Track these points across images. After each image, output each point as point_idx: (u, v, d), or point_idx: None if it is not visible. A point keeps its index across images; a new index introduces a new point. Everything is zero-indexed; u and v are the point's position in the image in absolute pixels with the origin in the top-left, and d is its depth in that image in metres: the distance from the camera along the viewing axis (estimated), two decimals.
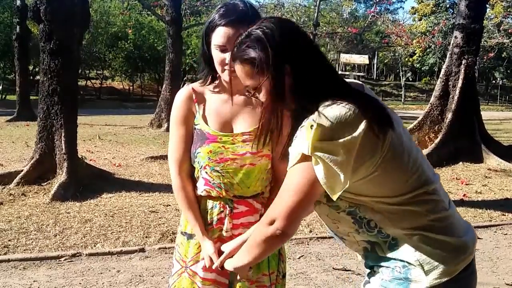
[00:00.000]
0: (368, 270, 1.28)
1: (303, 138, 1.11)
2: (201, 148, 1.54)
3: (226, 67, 1.48)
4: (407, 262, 1.16)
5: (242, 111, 1.58)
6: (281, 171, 1.57)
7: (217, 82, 1.60)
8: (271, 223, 1.19)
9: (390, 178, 1.15)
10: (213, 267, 1.52)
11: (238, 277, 1.50)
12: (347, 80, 1.29)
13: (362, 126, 1.08)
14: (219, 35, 1.47)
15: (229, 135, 1.55)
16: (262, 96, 1.23)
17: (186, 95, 1.61)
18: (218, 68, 1.52)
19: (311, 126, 1.09)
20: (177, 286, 1.62)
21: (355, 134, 1.08)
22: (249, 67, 1.21)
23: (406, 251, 1.17)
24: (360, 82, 1.32)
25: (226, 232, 1.56)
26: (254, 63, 1.18)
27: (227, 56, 1.45)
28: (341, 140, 1.08)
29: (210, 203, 1.58)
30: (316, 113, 1.11)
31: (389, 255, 1.19)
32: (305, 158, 1.12)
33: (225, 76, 1.52)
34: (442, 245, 1.15)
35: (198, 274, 1.58)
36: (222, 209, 1.56)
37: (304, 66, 1.16)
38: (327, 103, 1.12)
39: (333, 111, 1.10)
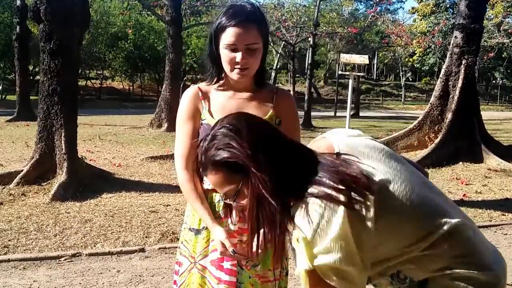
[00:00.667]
0: None
1: (300, 254, 1.05)
2: None
3: (236, 66, 1.55)
4: None
5: (247, 106, 1.63)
6: None
7: (222, 81, 1.65)
8: None
9: (398, 231, 1.10)
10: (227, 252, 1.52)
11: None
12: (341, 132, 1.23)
13: (341, 214, 1.02)
14: (229, 35, 1.52)
15: None
16: (246, 201, 1.11)
17: (193, 93, 1.66)
18: (226, 67, 1.57)
19: (297, 239, 1.04)
20: (187, 282, 1.64)
21: (338, 226, 1.01)
22: (223, 171, 1.10)
23: None
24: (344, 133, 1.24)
25: (233, 225, 1.58)
26: (229, 164, 1.08)
27: (238, 55, 1.52)
28: (330, 238, 1.01)
29: (216, 196, 1.60)
30: (297, 227, 1.05)
31: None
32: (310, 273, 1.05)
33: (233, 75, 1.58)
34: (473, 280, 1.11)
35: (207, 268, 1.60)
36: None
37: (279, 157, 1.08)
38: (298, 211, 1.05)
39: (305, 220, 1.03)
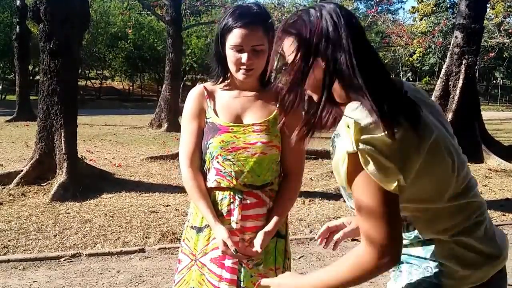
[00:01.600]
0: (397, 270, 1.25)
1: (344, 138, 1.06)
2: (213, 138, 1.60)
3: (242, 67, 1.57)
4: (439, 263, 1.14)
5: (252, 105, 1.66)
6: (291, 164, 1.66)
7: (227, 81, 1.67)
8: (380, 255, 1.07)
9: (433, 181, 1.10)
10: (228, 252, 1.53)
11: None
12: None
13: (392, 128, 1.03)
14: (236, 36, 1.54)
15: (240, 126, 1.62)
16: (288, 73, 1.18)
17: (198, 92, 1.68)
18: (232, 67, 1.59)
19: (348, 125, 1.05)
20: (186, 279, 1.66)
21: (388, 136, 1.03)
22: (290, 41, 1.16)
23: (440, 253, 1.15)
24: (403, 81, 1.27)
25: (236, 223, 1.59)
26: (296, 38, 1.14)
27: (243, 56, 1.55)
28: (381, 134, 1.03)
29: (220, 195, 1.62)
30: (347, 116, 1.07)
31: (422, 254, 1.17)
32: (353, 158, 1.05)
33: (239, 76, 1.60)
34: (476, 250, 1.14)
35: (206, 265, 1.61)
36: (231, 200, 1.60)
37: (343, 60, 1.09)
38: (354, 104, 1.08)
39: (362, 112, 1.05)
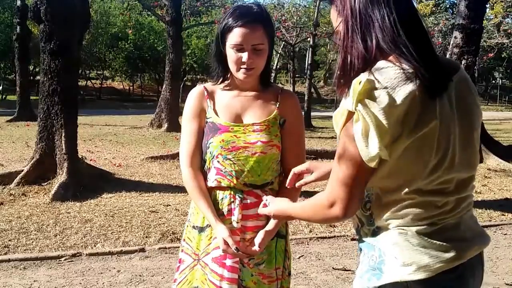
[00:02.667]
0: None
1: (350, 95, 1.07)
2: (214, 138, 1.61)
3: (242, 66, 1.58)
4: (383, 252, 1.14)
5: (252, 105, 1.67)
6: (291, 164, 1.65)
7: (228, 81, 1.68)
8: (332, 205, 1.14)
9: (411, 162, 1.09)
10: (229, 250, 1.54)
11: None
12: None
13: (411, 93, 1.03)
14: (236, 35, 1.55)
15: (241, 125, 1.63)
16: (338, 39, 1.20)
17: (198, 92, 1.69)
18: (232, 67, 1.60)
19: (359, 82, 1.05)
20: (189, 279, 1.67)
21: (401, 100, 1.03)
22: (333, 8, 1.21)
23: (384, 242, 1.14)
24: (456, 62, 1.26)
25: (236, 222, 1.60)
26: (336, 5, 1.19)
27: (244, 55, 1.56)
28: (383, 104, 1.02)
29: (220, 194, 1.63)
30: (367, 72, 1.06)
31: (370, 241, 1.18)
32: (350, 116, 1.07)
33: (239, 75, 1.60)
34: (423, 245, 1.11)
35: (208, 265, 1.62)
36: (232, 200, 1.61)
37: (379, 16, 1.11)
38: (382, 62, 1.08)
39: (389, 72, 1.05)
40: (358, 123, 1.05)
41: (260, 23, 1.56)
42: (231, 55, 1.58)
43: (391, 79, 1.05)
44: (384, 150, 1.05)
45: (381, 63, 1.08)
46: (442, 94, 1.09)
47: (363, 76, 1.05)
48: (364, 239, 1.20)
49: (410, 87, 1.04)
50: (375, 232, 1.17)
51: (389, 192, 1.13)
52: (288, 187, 1.52)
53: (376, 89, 1.04)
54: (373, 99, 1.03)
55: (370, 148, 1.05)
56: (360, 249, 1.24)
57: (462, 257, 1.13)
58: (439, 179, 1.11)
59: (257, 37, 1.56)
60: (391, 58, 1.09)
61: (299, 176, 1.53)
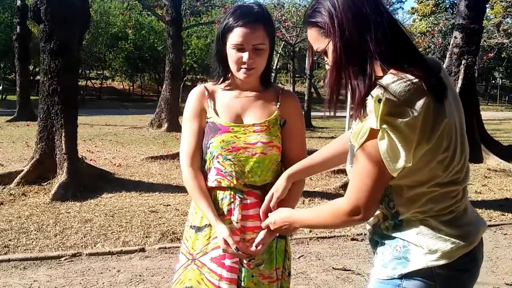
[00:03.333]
0: (373, 252, 1.34)
1: (372, 112, 1.11)
2: (214, 138, 1.61)
3: (243, 66, 1.58)
4: (408, 242, 1.21)
5: (252, 105, 1.67)
6: (292, 164, 1.64)
7: (228, 81, 1.68)
8: (354, 211, 1.20)
9: (431, 160, 1.16)
10: (228, 251, 1.54)
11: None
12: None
13: (425, 101, 1.10)
14: (237, 35, 1.55)
15: (241, 126, 1.63)
16: (329, 60, 1.24)
17: (199, 92, 1.69)
18: (233, 66, 1.60)
19: (379, 99, 1.10)
20: (182, 279, 1.66)
21: (419, 110, 1.09)
22: (316, 31, 1.24)
23: (409, 233, 1.22)
24: (437, 61, 1.31)
25: (236, 222, 1.60)
26: (320, 27, 1.22)
27: (244, 55, 1.55)
28: (406, 118, 1.09)
29: (220, 194, 1.63)
30: (381, 87, 1.11)
31: (393, 234, 1.25)
32: (372, 133, 1.13)
33: (240, 75, 1.60)
34: (445, 232, 1.20)
35: (206, 265, 1.62)
36: (232, 200, 1.61)
37: (369, 30, 1.15)
38: (389, 77, 1.13)
39: (400, 86, 1.10)
40: (383, 141, 1.12)
41: (260, 23, 1.56)
42: (232, 55, 1.58)
43: (405, 92, 1.10)
44: (409, 161, 1.13)
45: (388, 78, 1.13)
46: (447, 95, 1.17)
47: (378, 93, 1.10)
48: (384, 232, 1.26)
49: (423, 96, 1.11)
50: (396, 225, 1.24)
51: (412, 187, 1.19)
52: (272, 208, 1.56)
53: (395, 105, 1.09)
54: (395, 115, 1.09)
55: (397, 163, 1.12)
56: (376, 243, 1.30)
57: (475, 241, 1.24)
58: (453, 170, 1.20)
59: (258, 37, 1.56)
60: (392, 71, 1.15)
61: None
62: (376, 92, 1.11)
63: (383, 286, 1.25)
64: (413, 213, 1.21)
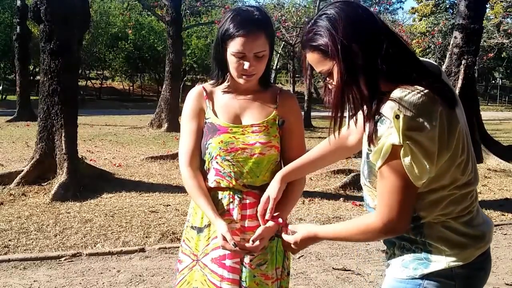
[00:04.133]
0: (388, 252, 1.35)
1: (391, 128, 1.12)
2: (212, 139, 1.61)
3: (244, 73, 1.57)
4: (428, 243, 1.24)
5: (251, 106, 1.67)
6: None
7: (227, 83, 1.68)
8: (387, 227, 1.21)
9: (451, 164, 1.19)
10: (227, 247, 1.54)
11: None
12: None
13: (439, 110, 1.13)
14: (238, 44, 1.53)
15: (239, 126, 1.63)
16: (334, 80, 1.24)
17: (197, 92, 1.69)
18: (233, 72, 1.60)
19: (396, 115, 1.10)
20: (188, 279, 1.66)
21: (436, 120, 1.11)
22: (318, 54, 1.23)
23: (429, 235, 1.24)
24: (436, 64, 1.33)
25: (235, 222, 1.60)
26: (323, 50, 1.20)
27: (246, 63, 1.55)
28: (426, 131, 1.11)
29: (219, 194, 1.63)
30: (395, 102, 1.12)
31: (414, 236, 1.26)
32: (395, 149, 1.13)
33: (240, 80, 1.61)
34: (464, 233, 1.23)
35: (207, 266, 1.62)
36: (231, 200, 1.61)
37: (372, 48, 1.16)
38: (400, 90, 1.14)
39: (413, 99, 1.12)
40: (407, 154, 1.12)
41: (262, 31, 1.55)
42: (232, 62, 1.57)
43: (419, 104, 1.12)
44: (433, 172, 1.16)
45: (398, 92, 1.14)
46: (457, 101, 1.20)
47: (395, 109, 1.11)
48: (405, 235, 1.27)
49: (436, 106, 1.13)
50: (417, 227, 1.25)
51: (434, 191, 1.22)
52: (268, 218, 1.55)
53: (413, 118, 1.10)
54: (416, 129, 1.10)
55: (422, 176, 1.14)
56: (393, 243, 1.31)
57: (490, 240, 1.30)
58: (469, 171, 1.25)
59: (259, 45, 1.55)
60: (400, 86, 1.16)
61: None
62: (391, 107, 1.12)
63: (403, 285, 1.27)
64: (436, 216, 1.23)
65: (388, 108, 1.12)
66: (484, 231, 1.28)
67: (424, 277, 1.23)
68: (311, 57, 1.26)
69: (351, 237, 1.33)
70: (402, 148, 1.11)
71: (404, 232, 1.23)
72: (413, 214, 1.23)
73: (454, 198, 1.22)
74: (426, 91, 1.13)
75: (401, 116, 1.10)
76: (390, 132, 1.12)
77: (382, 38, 1.17)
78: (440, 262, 1.22)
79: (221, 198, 1.62)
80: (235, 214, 1.60)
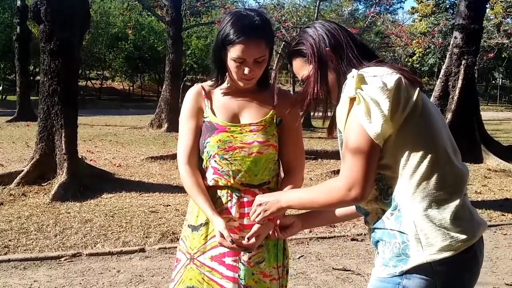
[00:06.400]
0: (377, 252, 1.35)
1: (348, 86, 1.25)
2: (211, 137, 1.62)
3: (244, 77, 1.59)
4: (405, 235, 1.23)
5: (249, 105, 1.68)
6: (290, 162, 1.68)
7: (227, 84, 1.69)
8: (350, 188, 1.24)
9: (416, 140, 1.24)
10: (225, 243, 1.54)
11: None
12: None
13: (396, 79, 1.23)
14: (239, 50, 1.54)
15: (237, 125, 1.64)
16: (309, 85, 1.40)
17: (196, 91, 1.71)
18: (233, 76, 1.61)
19: (353, 76, 1.24)
20: (183, 278, 1.67)
21: (391, 83, 1.21)
22: (300, 59, 1.41)
23: (407, 224, 1.23)
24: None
25: (234, 221, 1.61)
26: (304, 55, 1.39)
27: (246, 69, 1.57)
28: (379, 85, 1.21)
29: (217, 193, 1.64)
30: (355, 71, 1.26)
31: (392, 226, 1.26)
32: (352, 102, 1.23)
33: (240, 83, 1.63)
34: (444, 224, 1.21)
35: (206, 264, 1.62)
36: (229, 198, 1.62)
37: (342, 47, 1.35)
38: (364, 67, 1.30)
39: (371, 69, 1.27)
40: (360, 105, 1.21)
41: (262, 38, 1.56)
42: (232, 66, 1.58)
43: (379, 72, 1.26)
44: (388, 123, 1.19)
45: (362, 69, 1.29)
46: (420, 84, 1.29)
47: (354, 72, 1.25)
48: (386, 227, 1.27)
49: (396, 76, 1.24)
50: (397, 217, 1.25)
51: (405, 168, 1.24)
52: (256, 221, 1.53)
53: (368, 76, 1.24)
54: (368, 83, 1.23)
55: (374, 124, 1.19)
56: (377, 242, 1.31)
57: (475, 236, 1.25)
58: (445, 152, 1.28)
59: (259, 52, 1.56)
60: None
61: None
62: (350, 74, 1.26)
63: (383, 285, 1.26)
64: (412, 197, 1.23)
65: (349, 75, 1.27)
66: (469, 226, 1.25)
67: (403, 274, 1.22)
68: (294, 64, 1.43)
69: (315, 197, 1.35)
70: (356, 98, 1.22)
71: (368, 194, 1.24)
72: (389, 196, 1.25)
73: (430, 180, 1.22)
74: (385, 67, 1.28)
75: (355, 75, 1.23)
76: (347, 89, 1.25)
77: (352, 45, 1.37)
78: (419, 256, 1.20)
79: (219, 197, 1.63)
80: (233, 212, 1.61)
